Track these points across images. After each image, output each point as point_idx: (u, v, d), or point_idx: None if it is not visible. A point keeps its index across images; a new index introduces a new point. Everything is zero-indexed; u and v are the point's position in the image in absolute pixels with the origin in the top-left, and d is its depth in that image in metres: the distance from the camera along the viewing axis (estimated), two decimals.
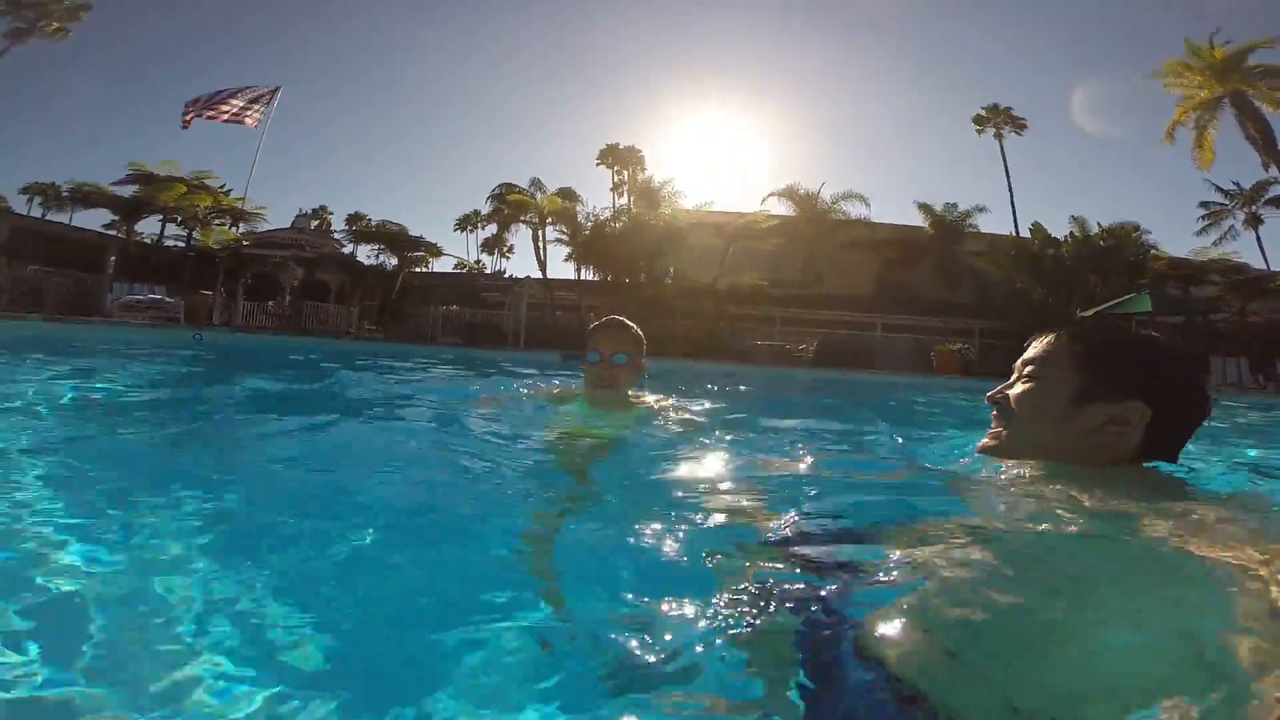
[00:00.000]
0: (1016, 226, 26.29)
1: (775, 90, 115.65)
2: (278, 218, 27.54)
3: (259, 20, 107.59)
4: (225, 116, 19.51)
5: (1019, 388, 1.05)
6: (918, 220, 23.33)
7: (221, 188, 22.04)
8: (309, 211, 35.26)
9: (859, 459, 1.87)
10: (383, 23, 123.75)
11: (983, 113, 30.37)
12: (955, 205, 22.97)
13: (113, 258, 18.52)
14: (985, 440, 1.10)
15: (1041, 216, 32.23)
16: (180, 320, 13.94)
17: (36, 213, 32.57)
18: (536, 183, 19.72)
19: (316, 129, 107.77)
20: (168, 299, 14.60)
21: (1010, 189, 29.71)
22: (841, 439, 2.26)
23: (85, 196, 19.88)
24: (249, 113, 20.02)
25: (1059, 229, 20.21)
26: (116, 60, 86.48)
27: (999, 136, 30.26)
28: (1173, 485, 0.96)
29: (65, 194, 24.17)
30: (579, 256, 19.10)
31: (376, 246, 24.30)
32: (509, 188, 20.14)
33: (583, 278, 20.01)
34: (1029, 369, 1.04)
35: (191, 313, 15.27)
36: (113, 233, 20.47)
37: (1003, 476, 1.05)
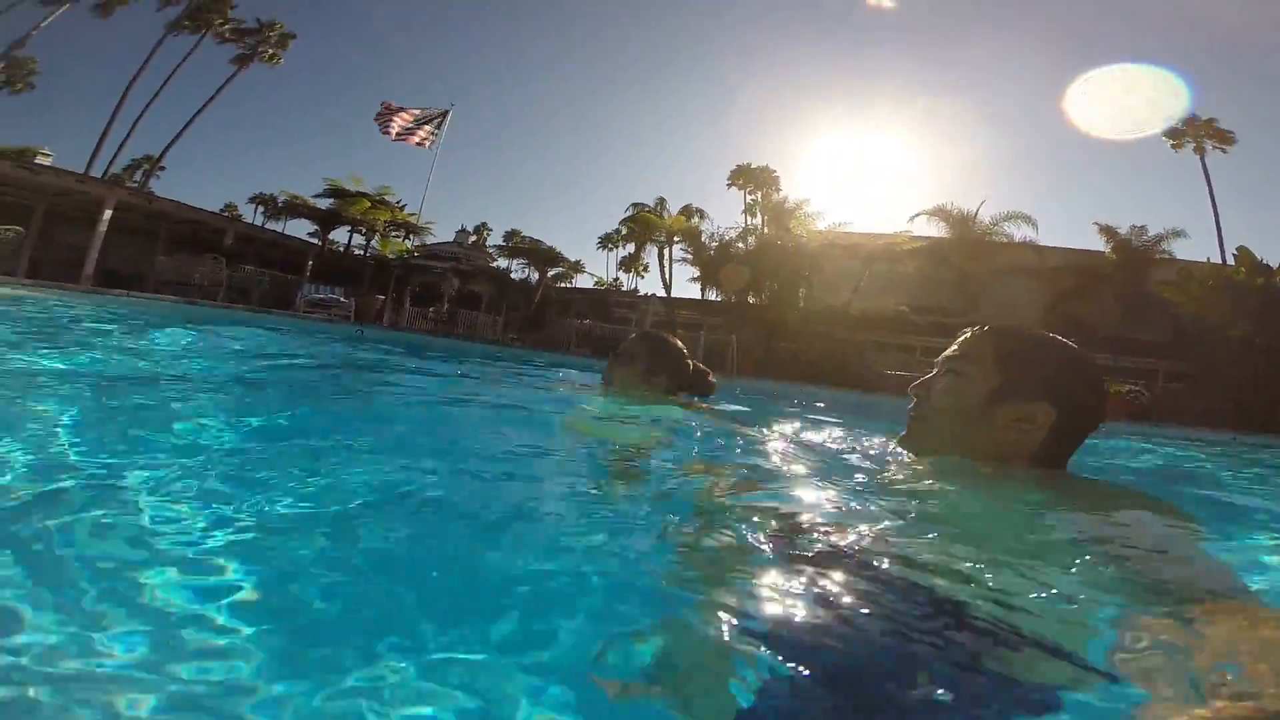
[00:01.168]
0: (1223, 255, 22.20)
1: (926, 103, 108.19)
2: (443, 230, 30.80)
3: (430, 48, 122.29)
4: (404, 137, 22.26)
5: (941, 381, 1.07)
6: (1097, 244, 20.65)
7: (398, 203, 25.02)
8: (469, 229, 39.01)
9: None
10: (535, 47, 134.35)
11: (1180, 125, 26.14)
12: (1144, 228, 20.07)
13: (310, 261, 21.69)
14: (903, 432, 1.14)
15: (1258, 246, 26.95)
16: (351, 318, 16.01)
17: (260, 219, 39.37)
18: (661, 202, 20.08)
19: (482, 147, 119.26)
20: (342, 299, 16.84)
21: (1215, 212, 25.14)
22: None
23: (294, 208, 23.61)
24: (424, 134, 22.67)
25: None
26: (317, 83, 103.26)
27: (1199, 151, 25.84)
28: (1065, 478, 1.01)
29: (280, 204, 28.90)
30: (703, 276, 19.20)
31: (523, 261, 26.18)
32: (639, 208, 20.78)
33: (707, 297, 20.09)
34: (952, 363, 1.07)
35: (362, 312, 17.47)
36: (314, 240, 24.00)
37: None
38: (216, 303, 13.91)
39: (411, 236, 25.47)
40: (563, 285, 26.46)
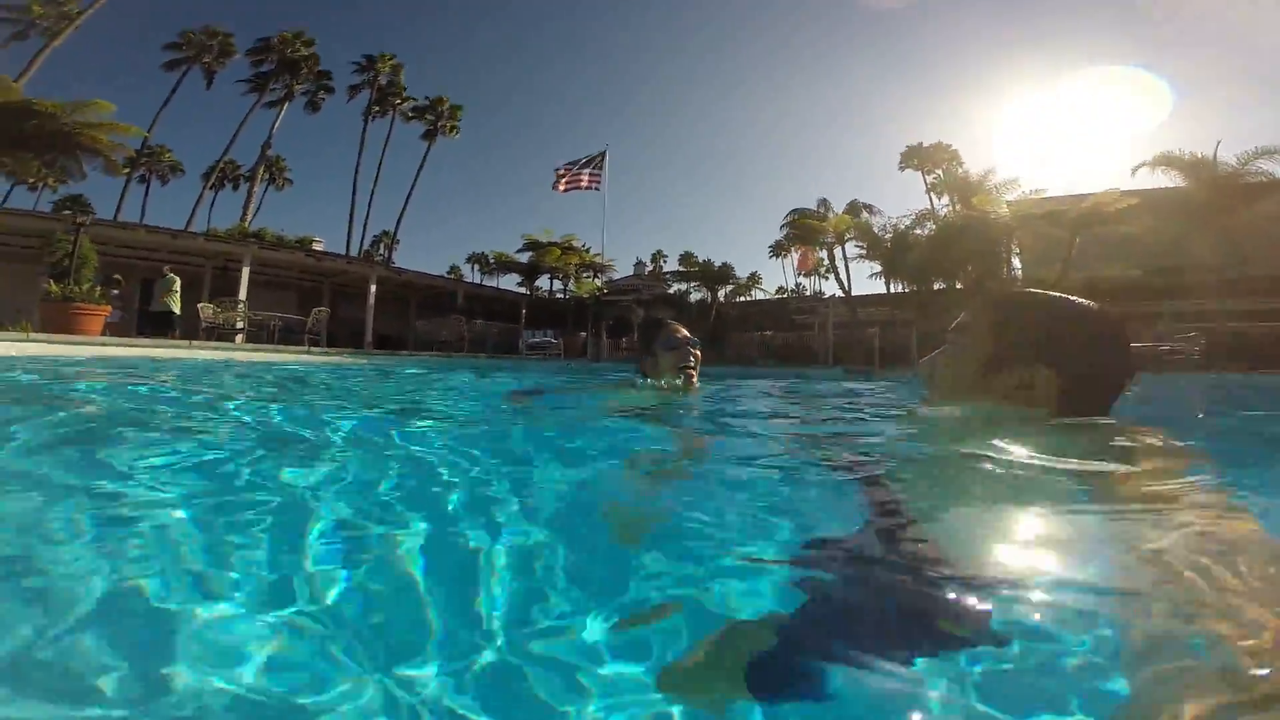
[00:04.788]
0: None
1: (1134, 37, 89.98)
2: (624, 265, 33.41)
3: (586, 98, 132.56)
4: (576, 185, 25.08)
5: (942, 356, 1.09)
6: None
7: (584, 247, 27.75)
8: (645, 260, 41.68)
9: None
10: (685, 77, 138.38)
11: None
12: None
13: (524, 310, 25.14)
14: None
15: None
16: (561, 355, 18.57)
17: (477, 277, 45.92)
18: (824, 203, 19.75)
19: (648, 181, 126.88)
20: (553, 340, 19.53)
21: None
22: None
23: (503, 264, 27.52)
24: (589, 178, 25.24)
25: None
26: (496, 147, 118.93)
27: None
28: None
29: (491, 263, 33.60)
30: (885, 270, 18.55)
31: (696, 283, 27.30)
32: (800, 214, 20.68)
33: (892, 290, 19.34)
34: (950, 336, 1.08)
35: (569, 349, 20.00)
36: (523, 290, 27.63)
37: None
38: (463, 354, 17.12)
39: (598, 275, 27.97)
40: (741, 300, 27.06)
